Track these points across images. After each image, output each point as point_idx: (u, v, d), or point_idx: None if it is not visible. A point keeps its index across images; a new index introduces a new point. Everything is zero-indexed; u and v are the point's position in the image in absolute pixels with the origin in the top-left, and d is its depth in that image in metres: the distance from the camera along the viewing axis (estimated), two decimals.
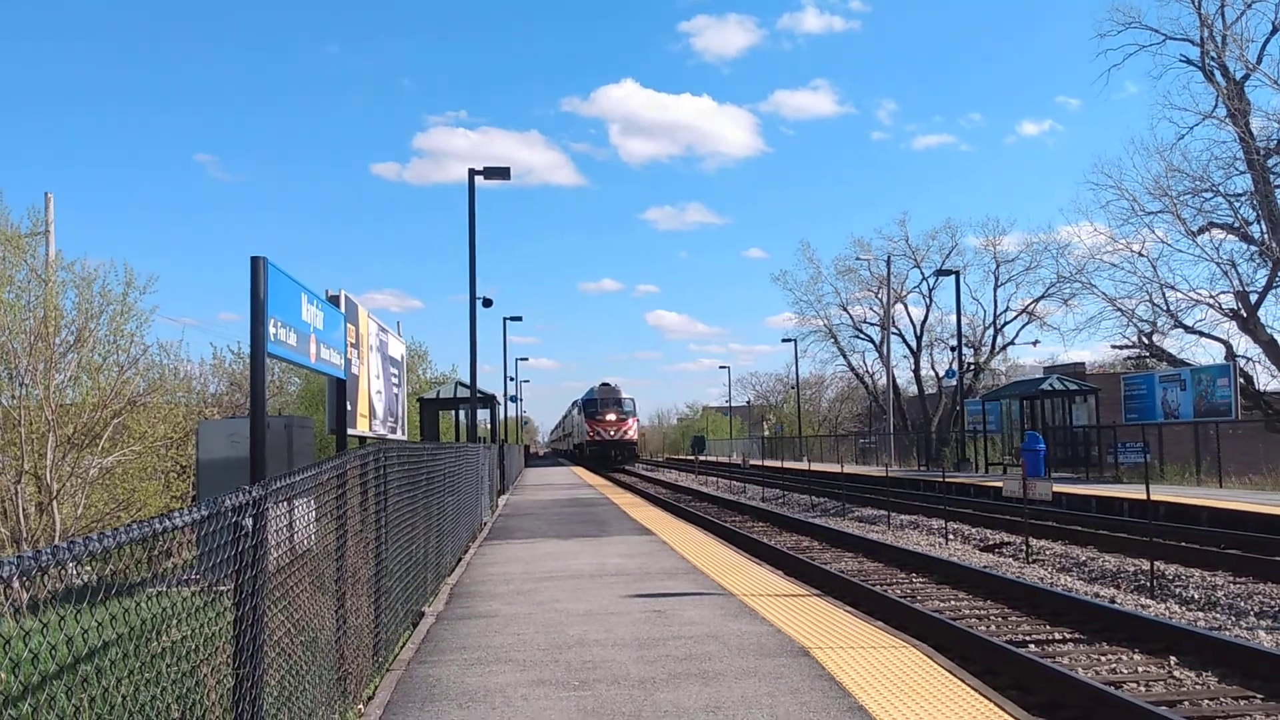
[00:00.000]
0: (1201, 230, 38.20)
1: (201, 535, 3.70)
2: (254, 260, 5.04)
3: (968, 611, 11.52)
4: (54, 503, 19.98)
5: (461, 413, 37.86)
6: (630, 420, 67.68)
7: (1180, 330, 40.39)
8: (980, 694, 6.33)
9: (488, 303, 27.35)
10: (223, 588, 4.05)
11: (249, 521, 3.98)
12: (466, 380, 28.31)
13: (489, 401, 38.54)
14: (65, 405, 21.42)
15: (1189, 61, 39.07)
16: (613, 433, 65.59)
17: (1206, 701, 7.64)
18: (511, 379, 65.98)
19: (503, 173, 22.50)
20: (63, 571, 2.78)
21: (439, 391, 37.63)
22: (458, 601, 10.45)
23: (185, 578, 3.82)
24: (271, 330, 5.17)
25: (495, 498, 26.20)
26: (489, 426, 43.05)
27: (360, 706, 6.36)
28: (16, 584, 2.52)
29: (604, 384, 68.64)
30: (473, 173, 22.38)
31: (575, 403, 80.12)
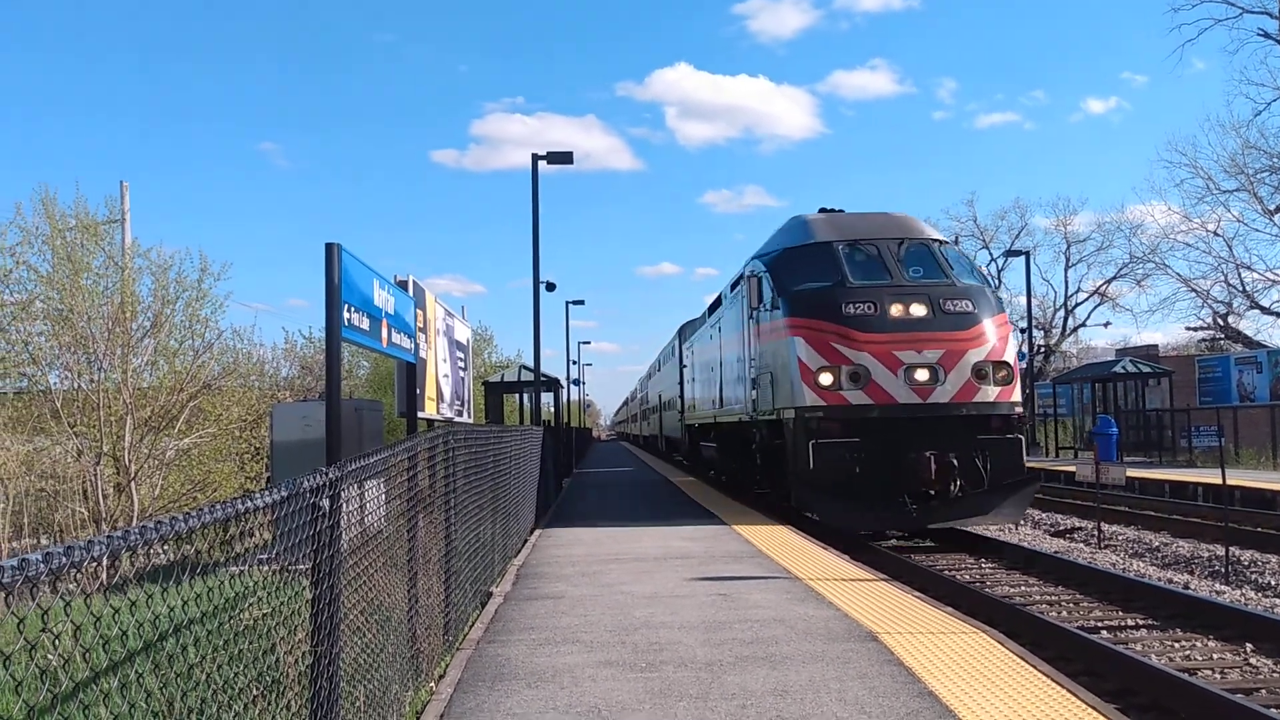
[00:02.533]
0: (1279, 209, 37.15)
1: (280, 516, 3.77)
2: (328, 247, 5.12)
3: (1038, 597, 11.36)
4: (132, 484, 20.48)
5: (525, 396, 38.11)
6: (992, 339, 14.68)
7: (1256, 311, 39.42)
8: (1051, 680, 6.25)
9: (551, 286, 27.49)
10: (300, 567, 4.14)
11: (326, 502, 4.06)
12: (530, 364, 28.49)
13: (552, 385, 38.74)
14: (142, 389, 21.94)
15: (1266, 35, 37.99)
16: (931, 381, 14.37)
17: None
18: (574, 362, 64.88)
19: (566, 157, 22.54)
20: (149, 551, 2.86)
21: (503, 375, 37.89)
22: (524, 582, 10.55)
23: (262, 558, 3.90)
24: (346, 315, 5.25)
25: (559, 480, 26.37)
26: (552, 410, 43.30)
27: (432, 685, 6.46)
28: (105, 563, 2.59)
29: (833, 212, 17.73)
30: (536, 158, 22.45)
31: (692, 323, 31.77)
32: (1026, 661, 6.70)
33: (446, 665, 7.01)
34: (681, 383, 32.78)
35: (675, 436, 38.46)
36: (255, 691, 3.78)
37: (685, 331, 33.00)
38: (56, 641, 2.48)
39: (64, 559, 2.28)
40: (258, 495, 3.48)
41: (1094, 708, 5.66)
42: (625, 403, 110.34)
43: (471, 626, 8.30)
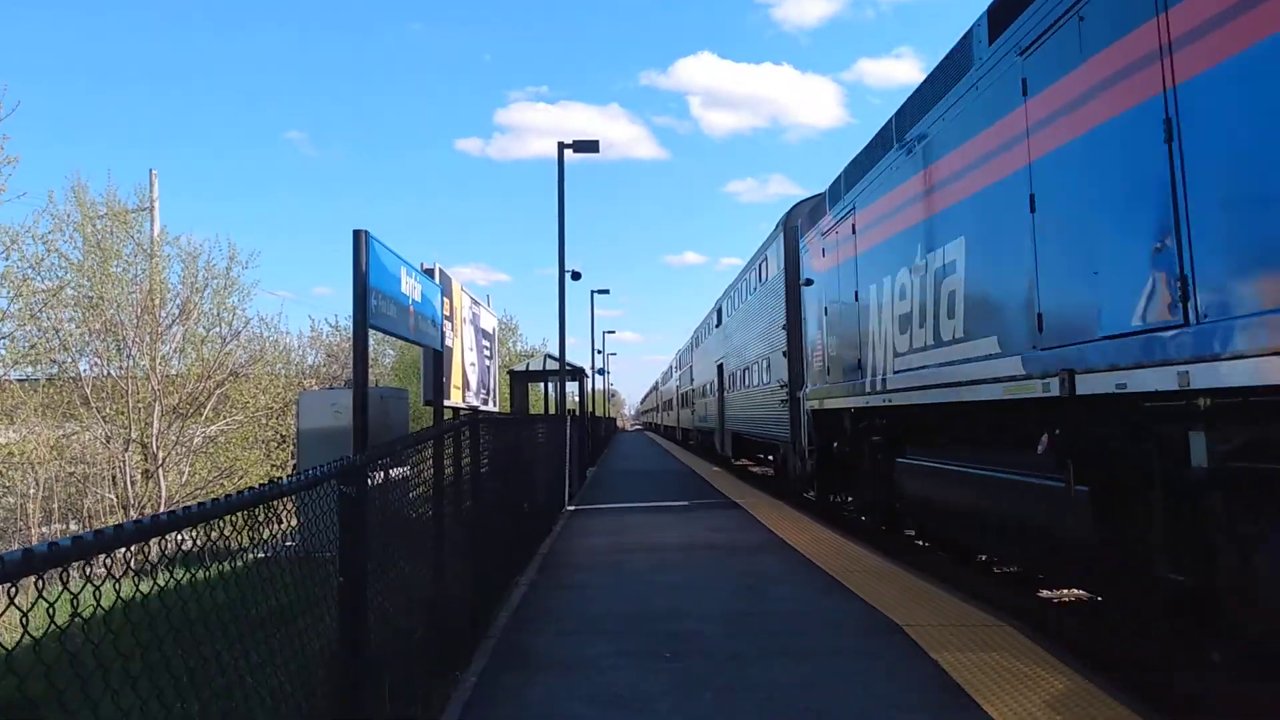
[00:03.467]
0: None
1: (307, 502, 3.77)
2: (356, 234, 5.11)
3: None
4: (160, 470, 20.65)
5: (550, 385, 38.19)
6: None
7: None
8: (1073, 669, 6.19)
9: (576, 276, 27.41)
10: (327, 554, 4.14)
11: (353, 489, 4.06)
12: (555, 353, 28.52)
13: (577, 374, 38.77)
14: (170, 376, 22.12)
15: None
16: None
17: None
18: (599, 352, 64.53)
19: (592, 146, 22.48)
20: (178, 537, 2.86)
21: (528, 364, 37.96)
22: (549, 571, 10.55)
23: (290, 544, 3.90)
24: (373, 303, 5.25)
25: (584, 470, 26.39)
26: (577, 399, 43.37)
27: (458, 672, 6.47)
28: (134, 548, 2.59)
29: None
30: (562, 146, 22.39)
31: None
32: (1053, 654, 6.64)
33: (473, 653, 7.02)
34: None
35: (748, 431, 25.17)
36: (282, 677, 3.78)
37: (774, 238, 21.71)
38: (86, 626, 2.48)
39: (94, 543, 2.28)
40: (287, 481, 3.48)
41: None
42: (653, 389, 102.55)
43: (497, 615, 8.31)
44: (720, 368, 32.36)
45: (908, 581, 9.44)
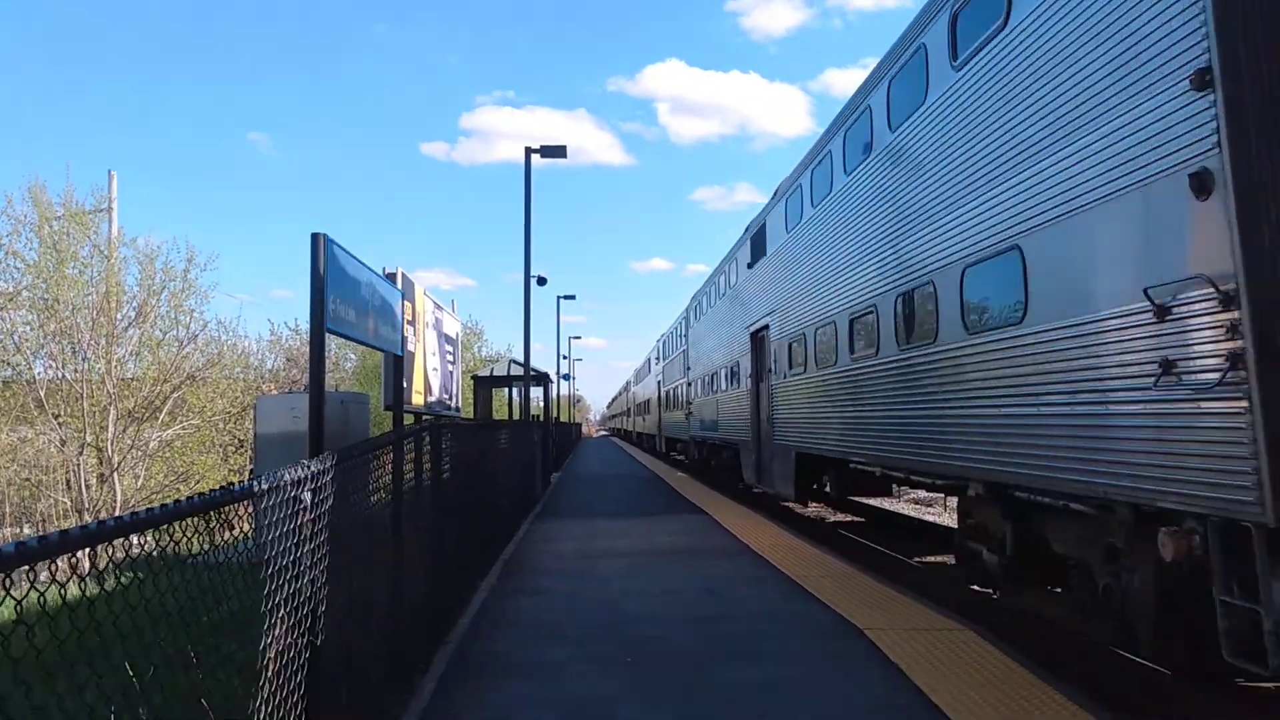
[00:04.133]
0: None
1: (262, 508, 3.72)
2: (314, 237, 5.05)
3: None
4: (115, 474, 20.39)
5: (515, 391, 38.08)
6: None
7: None
8: (1031, 672, 6.23)
9: (542, 281, 27.36)
10: (282, 561, 4.08)
11: (308, 495, 4.01)
12: (520, 358, 28.45)
13: (542, 379, 38.68)
14: (126, 379, 21.85)
15: None
16: None
17: None
18: (564, 357, 64.32)
19: (559, 151, 22.44)
20: (126, 541, 2.81)
21: (493, 369, 37.79)
22: (512, 577, 10.50)
23: (244, 550, 3.85)
24: (331, 307, 5.19)
25: (548, 475, 26.32)
26: (542, 404, 43.29)
27: (417, 678, 6.41)
28: (84, 553, 2.54)
29: None
30: (529, 151, 22.35)
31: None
32: (1010, 657, 6.68)
33: (431, 659, 6.97)
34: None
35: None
36: (237, 682, 3.73)
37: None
38: (31, 632, 2.42)
39: (40, 547, 2.23)
40: (240, 486, 3.43)
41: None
42: (623, 390, 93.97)
43: (457, 621, 8.25)
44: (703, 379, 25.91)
45: (869, 586, 9.48)
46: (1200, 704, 6.64)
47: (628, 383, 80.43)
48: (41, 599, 2.38)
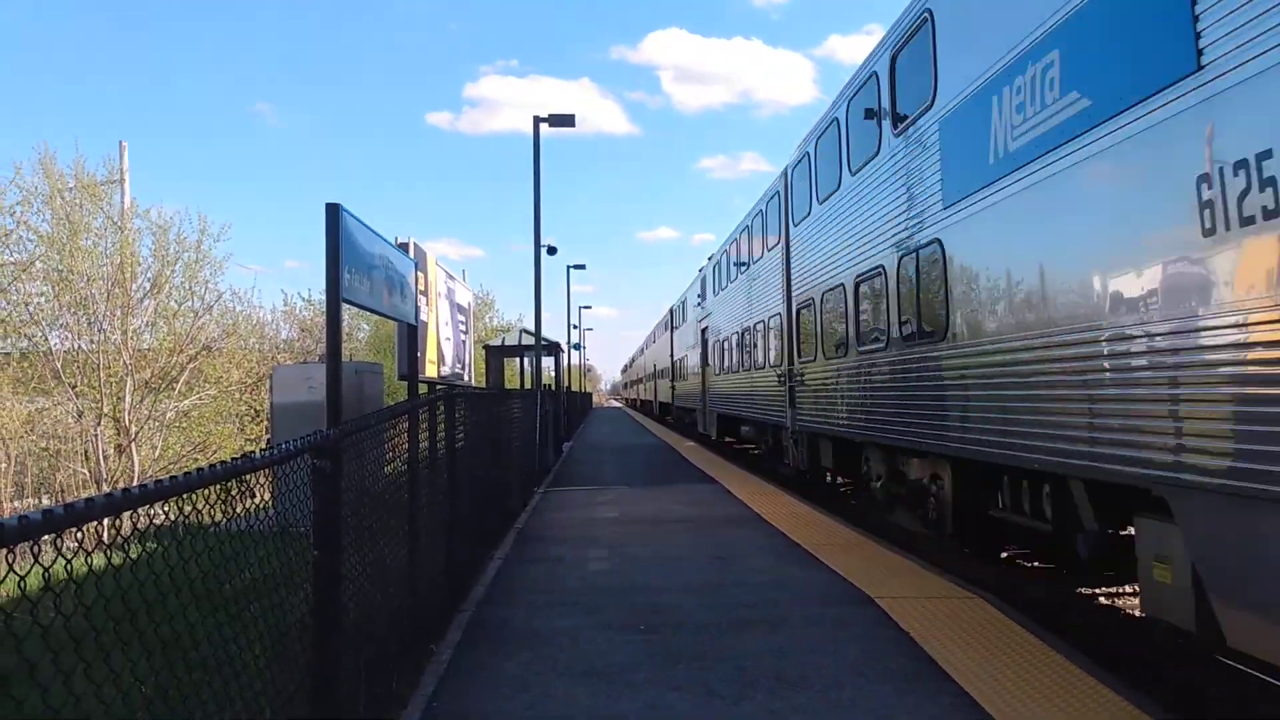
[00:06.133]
0: None
1: (282, 476, 3.77)
2: (330, 207, 5.07)
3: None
4: (133, 445, 20.53)
5: (526, 360, 38.12)
6: None
7: None
8: (1041, 639, 6.28)
9: (552, 250, 27.36)
10: (302, 528, 4.14)
11: (328, 463, 4.06)
12: (530, 327, 28.47)
13: (553, 349, 38.71)
14: (142, 350, 21.96)
15: None
16: None
17: None
18: (575, 327, 63.95)
19: (568, 120, 22.35)
20: (150, 510, 2.86)
21: (504, 339, 37.85)
22: (525, 545, 10.59)
23: (265, 518, 3.91)
24: (346, 277, 5.22)
25: (560, 444, 26.41)
26: (553, 373, 43.37)
27: (433, 646, 6.49)
28: (107, 521, 2.59)
29: None
30: (537, 120, 22.26)
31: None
32: (1020, 624, 6.73)
33: (448, 626, 7.05)
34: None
35: None
36: (258, 650, 3.79)
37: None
38: (58, 599, 2.48)
39: (64, 517, 2.28)
40: (259, 455, 3.48)
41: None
42: (629, 364, 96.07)
43: (473, 588, 8.33)
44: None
45: (880, 554, 9.53)
46: (1208, 675, 6.69)
47: (638, 351, 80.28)
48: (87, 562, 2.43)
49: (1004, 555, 10.36)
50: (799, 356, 15.70)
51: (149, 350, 21.95)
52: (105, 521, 2.57)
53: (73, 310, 20.92)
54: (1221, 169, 4.98)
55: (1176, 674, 6.67)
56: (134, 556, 2.90)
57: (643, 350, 69.77)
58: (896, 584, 8.11)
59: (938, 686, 5.46)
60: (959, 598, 7.60)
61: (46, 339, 20.85)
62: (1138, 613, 7.92)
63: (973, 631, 6.57)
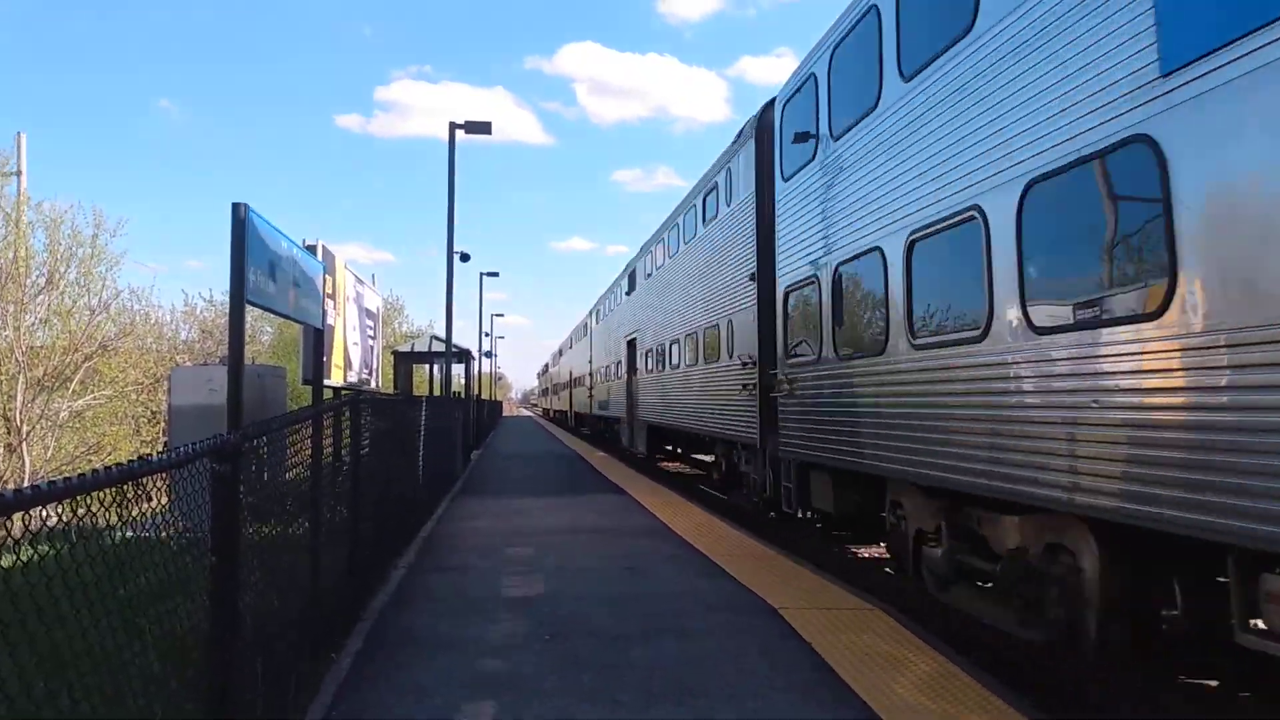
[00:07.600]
0: None
1: (180, 480, 3.69)
2: (235, 207, 4.99)
3: None
4: (24, 444, 19.85)
5: (435, 367, 37.78)
6: None
7: None
8: (937, 651, 6.44)
9: (465, 257, 27.15)
10: (198, 534, 4.06)
11: (228, 468, 3.98)
12: (441, 334, 28.24)
13: (464, 356, 38.43)
14: (35, 348, 21.26)
15: None
16: None
17: None
18: (487, 334, 63.67)
19: (484, 127, 22.28)
20: (42, 512, 2.78)
21: (414, 345, 37.44)
22: (430, 554, 10.48)
23: (160, 523, 3.82)
24: (251, 278, 5.13)
25: (468, 453, 26.21)
26: (463, 381, 43.02)
27: (333, 654, 6.40)
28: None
29: None
30: (453, 126, 22.14)
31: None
32: (918, 635, 6.88)
33: (349, 634, 6.95)
34: None
35: None
36: (152, 658, 3.70)
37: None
38: None
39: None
40: (156, 459, 3.40)
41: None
42: (541, 373, 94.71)
43: (374, 597, 8.23)
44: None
45: (786, 566, 9.65)
46: (1096, 686, 6.91)
47: (548, 362, 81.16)
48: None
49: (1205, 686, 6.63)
50: (787, 356, 12.01)
51: (42, 348, 21.25)
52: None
53: None
54: None
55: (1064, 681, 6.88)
56: (24, 559, 2.81)
57: (559, 354, 66.03)
58: (800, 595, 8.22)
59: (838, 695, 5.56)
60: (859, 609, 7.73)
61: None
62: None
63: (872, 642, 6.70)
